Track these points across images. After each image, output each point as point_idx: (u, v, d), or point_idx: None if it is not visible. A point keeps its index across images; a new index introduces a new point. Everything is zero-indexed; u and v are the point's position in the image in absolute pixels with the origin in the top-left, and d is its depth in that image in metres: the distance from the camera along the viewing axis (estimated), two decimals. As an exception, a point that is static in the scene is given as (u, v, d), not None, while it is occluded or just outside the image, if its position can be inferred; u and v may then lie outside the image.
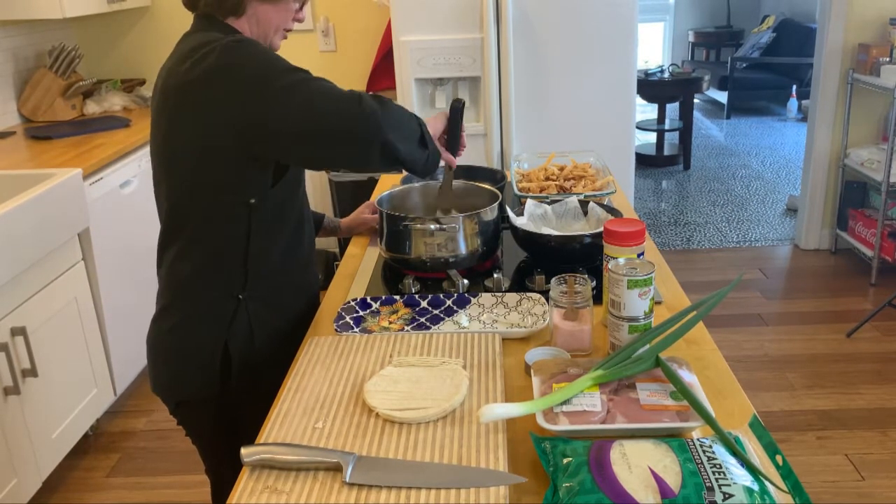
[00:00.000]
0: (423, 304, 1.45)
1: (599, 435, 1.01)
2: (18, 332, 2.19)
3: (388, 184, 2.27)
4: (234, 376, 1.42)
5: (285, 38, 1.44)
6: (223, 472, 1.58)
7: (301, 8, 1.42)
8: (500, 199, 1.64)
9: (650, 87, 5.77)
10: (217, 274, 1.40)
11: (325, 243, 3.95)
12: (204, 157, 1.30)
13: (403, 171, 1.43)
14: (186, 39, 1.34)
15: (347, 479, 0.95)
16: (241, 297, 1.41)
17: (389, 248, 1.58)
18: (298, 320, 1.51)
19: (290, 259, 1.47)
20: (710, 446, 0.93)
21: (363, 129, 1.27)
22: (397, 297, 1.47)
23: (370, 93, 1.36)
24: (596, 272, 1.52)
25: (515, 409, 1.02)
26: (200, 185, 1.33)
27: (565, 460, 0.93)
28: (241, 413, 1.47)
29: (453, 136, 1.54)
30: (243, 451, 1.00)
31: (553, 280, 1.29)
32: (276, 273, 1.44)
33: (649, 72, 5.80)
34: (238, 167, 1.31)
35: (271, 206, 1.38)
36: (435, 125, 1.51)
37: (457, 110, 1.54)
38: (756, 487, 0.87)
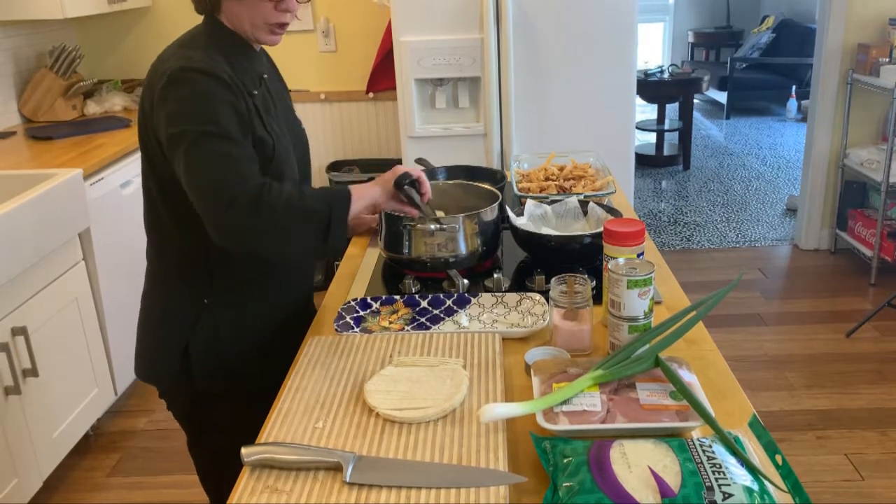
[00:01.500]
0: (424, 303, 1.46)
1: (599, 435, 1.01)
2: (19, 331, 2.19)
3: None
4: (196, 376, 1.44)
5: (276, 32, 1.36)
6: (203, 463, 1.61)
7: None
8: (500, 199, 1.64)
9: (650, 87, 5.77)
10: (182, 276, 1.42)
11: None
12: (163, 159, 1.32)
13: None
14: (191, 34, 1.38)
15: (347, 479, 0.95)
16: (206, 301, 1.42)
17: (389, 248, 1.58)
18: (278, 325, 1.50)
19: (263, 266, 1.45)
20: (710, 446, 0.94)
21: (220, 232, 1.25)
22: (397, 297, 1.47)
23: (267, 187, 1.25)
24: (596, 272, 1.52)
25: (515, 409, 1.02)
26: (165, 186, 1.35)
27: (565, 460, 0.94)
28: (214, 411, 1.49)
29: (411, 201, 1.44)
30: (243, 451, 1.00)
31: (553, 280, 1.29)
32: (247, 280, 1.44)
33: (649, 72, 5.80)
34: None
35: None
36: (369, 194, 1.37)
37: (400, 185, 1.40)
38: (756, 487, 0.88)
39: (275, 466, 0.99)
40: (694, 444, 0.94)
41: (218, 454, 1.52)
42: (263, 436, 1.07)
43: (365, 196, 1.35)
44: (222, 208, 1.22)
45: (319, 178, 3.87)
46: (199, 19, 1.41)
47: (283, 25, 1.36)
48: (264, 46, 1.43)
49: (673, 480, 0.88)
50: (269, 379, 1.41)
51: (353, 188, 1.34)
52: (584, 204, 1.71)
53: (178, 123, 1.25)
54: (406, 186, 1.40)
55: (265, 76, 1.43)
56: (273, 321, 1.50)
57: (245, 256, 1.41)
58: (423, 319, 1.41)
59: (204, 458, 1.60)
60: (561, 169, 1.97)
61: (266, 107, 1.39)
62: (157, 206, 1.40)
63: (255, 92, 1.36)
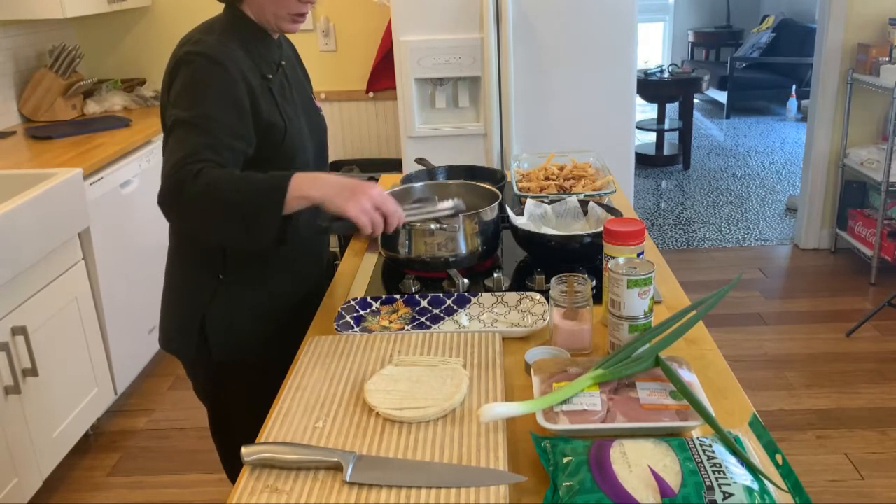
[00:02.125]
0: (424, 303, 1.46)
1: (599, 434, 1.01)
2: (19, 331, 2.19)
3: (388, 183, 2.27)
4: (213, 350, 1.49)
5: (297, 21, 1.43)
6: (225, 443, 1.65)
7: None
8: (500, 198, 1.64)
9: (650, 86, 5.77)
10: (195, 252, 1.48)
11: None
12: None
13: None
14: (210, 22, 1.44)
15: (347, 479, 0.95)
16: (220, 276, 1.46)
17: (389, 248, 1.58)
18: (293, 303, 1.55)
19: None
20: (710, 445, 0.94)
21: (166, 201, 1.26)
22: (397, 297, 1.47)
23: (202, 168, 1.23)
24: (596, 272, 1.52)
25: (515, 409, 1.02)
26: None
27: (565, 459, 0.94)
28: (232, 387, 1.54)
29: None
30: (244, 450, 1.00)
31: (553, 280, 1.29)
32: (258, 258, 1.48)
33: (649, 72, 5.80)
34: None
35: None
36: (313, 195, 1.23)
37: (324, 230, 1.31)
38: (756, 487, 0.88)
39: (275, 466, 0.99)
40: (694, 443, 0.94)
41: (237, 435, 1.53)
42: (263, 435, 1.07)
43: (303, 197, 1.22)
44: (160, 194, 1.27)
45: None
46: (199, 19, 1.46)
47: (304, 14, 1.43)
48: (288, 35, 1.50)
49: (673, 480, 0.88)
50: (285, 356, 1.46)
51: (297, 181, 1.22)
52: (584, 203, 1.71)
53: (172, 109, 1.31)
54: (334, 225, 1.28)
55: (283, 63, 1.50)
56: (287, 298, 1.54)
57: None
58: (423, 319, 1.41)
59: (226, 438, 1.63)
60: (561, 168, 1.97)
61: (282, 91, 1.45)
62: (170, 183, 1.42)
63: (271, 76, 1.43)
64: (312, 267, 1.62)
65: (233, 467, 1.66)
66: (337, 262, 1.78)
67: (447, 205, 1.47)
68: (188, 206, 1.24)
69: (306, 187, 1.23)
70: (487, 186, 1.71)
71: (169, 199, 1.25)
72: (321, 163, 1.60)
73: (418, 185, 1.76)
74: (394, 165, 3.66)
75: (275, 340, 1.53)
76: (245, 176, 1.25)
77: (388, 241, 1.58)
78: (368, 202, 1.23)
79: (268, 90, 1.41)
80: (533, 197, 1.77)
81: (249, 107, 1.35)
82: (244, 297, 1.49)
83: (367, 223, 1.24)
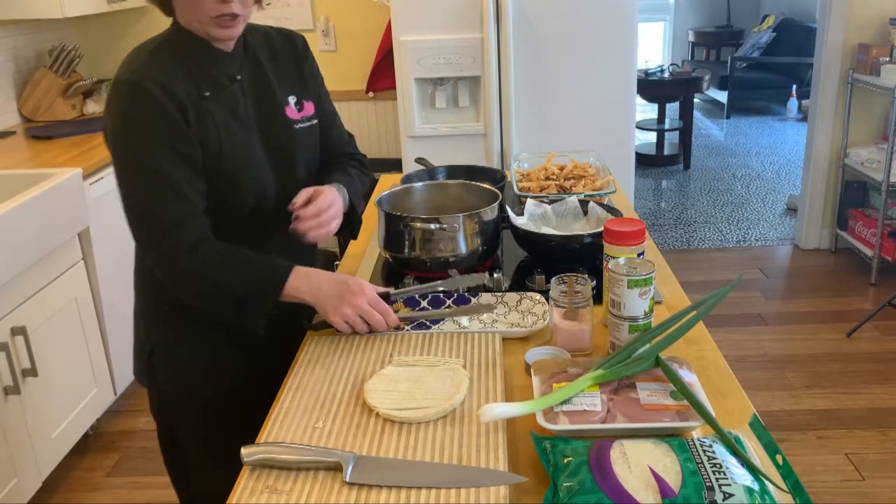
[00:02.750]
0: (423, 303, 1.45)
1: (599, 434, 1.01)
2: (18, 331, 2.19)
3: (388, 184, 2.27)
4: (159, 379, 1.45)
5: (225, 25, 1.27)
6: (181, 486, 1.58)
7: None
8: (500, 199, 1.64)
9: (650, 86, 5.77)
10: (147, 281, 1.42)
11: (325, 243, 3.94)
12: None
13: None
14: (151, 38, 1.35)
15: (347, 479, 0.95)
16: (165, 309, 1.41)
17: (389, 248, 1.58)
18: (248, 342, 1.39)
19: None
20: (711, 446, 0.93)
21: (158, 264, 1.27)
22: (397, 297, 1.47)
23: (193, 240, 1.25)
24: (596, 272, 1.52)
25: (515, 409, 1.02)
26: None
27: (565, 460, 0.93)
28: (180, 422, 1.49)
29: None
30: (243, 451, 1.00)
31: (553, 280, 1.29)
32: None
33: (649, 71, 5.80)
34: None
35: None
36: (309, 299, 1.29)
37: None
38: (756, 487, 0.87)
39: (275, 466, 0.99)
40: (694, 443, 0.94)
41: (195, 479, 1.52)
42: (263, 436, 1.07)
43: (297, 295, 1.28)
44: (152, 253, 1.27)
45: (319, 178, 3.87)
46: None
47: (232, 17, 1.26)
48: (255, 45, 1.40)
49: (673, 480, 0.88)
50: (250, 391, 1.41)
51: (295, 278, 1.27)
52: (584, 203, 1.71)
53: (116, 152, 1.27)
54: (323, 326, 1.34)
55: (239, 77, 1.35)
56: (234, 338, 1.41)
57: None
58: (423, 319, 1.41)
59: (181, 483, 1.57)
60: (561, 168, 1.97)
61: (230, 108, 1.33)
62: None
63: (209, 94, 1.30)
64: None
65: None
66: (337, 262, 1.78)
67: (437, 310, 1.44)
68: (181, 277, 1.27)
69: (302, 287, 1.28)
70: (487, 186, 1.71)
71: (163, 266, 1.27)
72: (289, 184, 1.41)
73: (418, 185, 1.76)
74: (394, 165, 3.65)
75: (230, 375, 1.44)
76: (244, 260, 1.27)
77: (389, 240, 1.57)
78: (352, 312, 1.28)
79: (206, 110, 1.29)
80: (533, 197, 1.77)
81: (186, 134, 1.26)
82: (195, 327, 1.40)
83: (346, 329, 1.31)
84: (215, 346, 1.43)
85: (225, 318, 1.29)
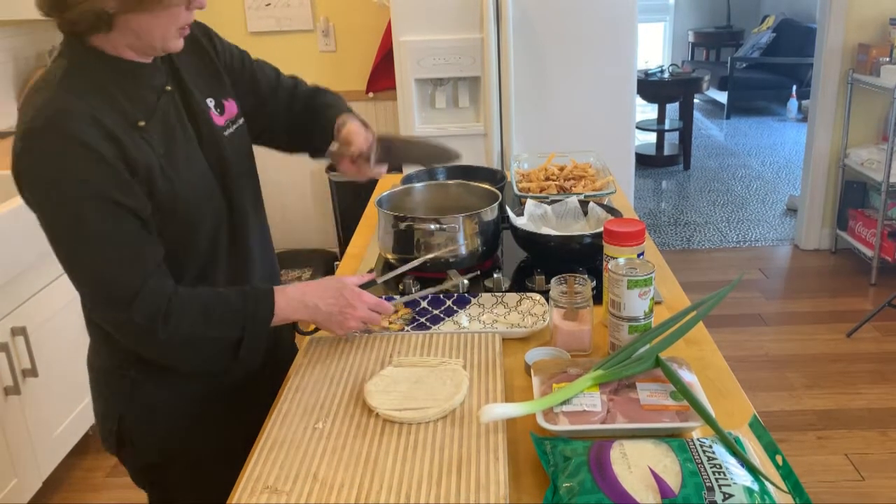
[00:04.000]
0: (424, 304, 1.45)
1: (599, 435, 1.01)
2: (19, 332, 2.19)
3: (388, 184, 2.27)
4: (135, 447, 1.30)
5: (184, 34, 1.15)
6: None
7: None
8: (500, 199, 1.64)
9: (650, 87, 5.77)
10: (106, 341, 1.24)
11: (325, 243, 3.95)
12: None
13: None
14: (46, 70, 1.12)
15: None
16: (132, 372, 1.25)
17: (389, 249, 1.58)
18: (221, 391, 1.31)
19: None
20: (710, 446, 0.93)
21: (139, 343, 1.13)
22: (397, 297, 1.47)
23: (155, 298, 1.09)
24: (596, 272, 1.52)
25: (515, 409, 1.02)
26: None
27: (565, 460, 0.93)
28: (160, 480, 1.36)
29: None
30: None
31: (553, 280, 1.29)
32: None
33: (649, 72, 5.80)
34: None
35: None
36: (299, 314, 1.22)
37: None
38: (756, 487, 0.87)
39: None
40: (694, 444, 0.94)
41: None
42: (263, 436, 1.07)
43: (291, 318, 1.22)
44: (116, 324, 1.12)
45: (320, 178, 3.87)
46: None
47: (189, 25, 1.15)
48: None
49: (673, 481, 0.88)
50: (214, 445, 1.30)
51: (282, 303, 1.19)
52: (584, 204, 1.71)
53: (33, 207, 1.09)
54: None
55: (169, 87, 1.20)
56: (214, 388, 1.31)
57: None
58: (423, 320, 1.41)
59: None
60: (561, 169, 1.97)
61: (167, 133, 1.17)
62: None
63: (143, 123, 1.13)
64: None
65: None
66: (337, 262, 1.78)
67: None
68: (161, 351, 1.15)
69: (292, 311, 1.22)
70: (487, 187, 1.71)
71: (138, 344, 1.13)
72: (234, 194, 1.28)
73: (418, 185, 1.76)
74: (394, 165, 3.65)
75: (215, 432, 1.31)
76: (222, 305, 1.15)
77: (390, 240, 1.57)
78: (357, 324, 1.26)
79: (143, 142, 1.11)
80: (533, 197, 1.77)
81: (127, 175, 1.08)
82: (165, 391, 1.27)
83: (353, 331, 1.29)
84: (193, 401, 1.29)
85: (216, 368, 1.23)
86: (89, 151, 1.04)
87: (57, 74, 1.08)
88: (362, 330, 1.32)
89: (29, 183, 1.07)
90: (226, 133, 1.28)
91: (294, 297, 1.22)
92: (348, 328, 1.26)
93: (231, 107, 1.31)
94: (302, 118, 1.44)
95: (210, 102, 1.26)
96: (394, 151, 1.39)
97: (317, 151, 1.45)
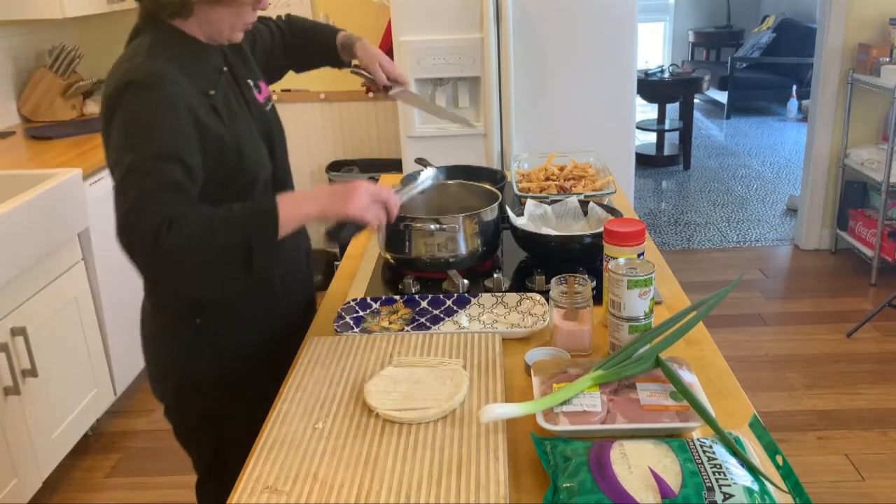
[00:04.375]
0: (423, 304, 1.45)
1: (599, 435, 1.01)
2: (18, 332, 2.19)
3: (389, 184, 2.27)
4: (195, 393, 1.43)
5: (248, 28, 1.35)
6: (201, 479, 1.58)
7: None
8: (500, 199, 1.64)
9: (650, 87, 5.77)
10: (165, 298, 1.38)
11: (326, 244, 3.94)
12: None
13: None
14: (129, 42, 1.31)
15: None
16: (197, 321, 1.37)
17: (389, 249, 1.58)
18: (277, 336, 1.45)
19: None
20: (711, 446, 0.93)
21: (137, 252, 1.16)
22: (397, 297, 1.47)
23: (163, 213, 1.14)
24: (596, 272, 1.52)
25: (515, 409, 1.02)
26: None
27: (565, 460, 0.93)
28: (208, 431, 1.48)
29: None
30: None
31: (553, 280, 1.29)
32: (239, 295, 1.35)
33: (649, 72, 5.80)
34: None
35: None
36: (303, 213, 1.23)
37: (334, 235, 1.30)
38: (756, 487, 0.87)
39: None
40: (694, 444, 0.94)
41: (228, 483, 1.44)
42: (263, 436, 1.07)
43: (297, 216, 1.21)
44: (129, 252, 1.16)
45: (320, 178, 3.87)
46: None
47: (251, 23, 1.35)
48: None
49: (673, 481, 0.88)
50: (268, 388, 1.37)
51: (285, 203, 1.20)
52: (584, 204, 1.71)
53: (115, 155, 1.20)
54: (344, 233, 1.28)
55: (225, 69, 1.36)
56: (271, 332, 1.45)
57: None
58: (422, 319, 1.41)
59: (213, 485, 1.55)
60: (561, 169, 1.97)
61: (228, 104, 1.33)
62: None
63: (213, 91, 1.29)
64: (295, 293, 1.54)
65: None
66: (337, 262, 1.78)
67: (428, 174, 1.49)
68: (168, 259, 1.14)
69: (296, 207, 1.20)
70: (487, 187, 1.71)
71: (143, 254, 1.14)
72: (281, 171, 1.47)
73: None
74: (394, 165, 3.65)
75: (259, 377, 1.44)
76: (224, 214, 1.17)
77: (390, 240, 1.58)
78: (366, 198, 1.23)
79: (211, 109, 1.28)
80: (533, 197, 1.77)
81: (195, 132, 1.22)
82: (223, 338, 1.40)
83: (373, 218, 1.25)
84: (249, 349, 1.42)
85: (231, 285, 1.19)
86: (169, 101, 1.20)
87: (144, 47, 1.25)
88: (380, 220, 1.26)
89: (118, 123, 1.19)
90: (266, 108, 1.46)
91: (296, 194, 1.24)
92: (356, 205, 1.22)
93: (265, 89, 1.49)
94: (300, 47, 1.69)
95: (251, 83, 1.44)
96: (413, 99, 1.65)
97: (329, 65, 1.73)
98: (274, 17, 1.70)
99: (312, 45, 1.70)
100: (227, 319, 1.39)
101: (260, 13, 1.38)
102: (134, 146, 1.17)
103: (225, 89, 1.34)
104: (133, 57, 1.24)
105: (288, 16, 1.73)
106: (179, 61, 1.25)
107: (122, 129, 1.19)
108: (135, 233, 1.15)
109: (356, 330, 1.38)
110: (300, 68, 1.77)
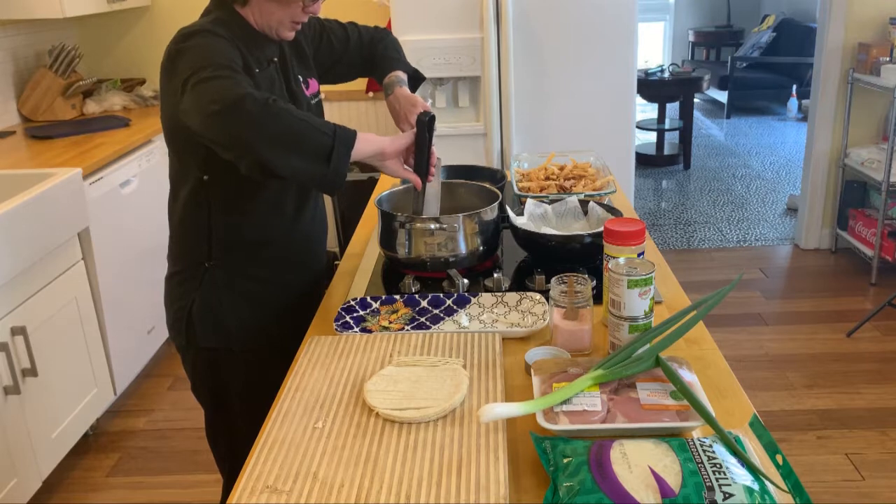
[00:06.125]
0: (423, 303, 1.45)
1: (599, 435, 1.01)
2: (18, 331, 2.19)
3: (389, 183, 2.27)
4: (198, 337, 1.53)
5: (295, 28, 1.47)
6: (213, 436, 1.67)
7: (315, 1, 1.44)
8: (500, 198, 1.64)
9: (650, 86, 5.77)
10: (185, 241, 1.52)
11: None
12: (170, 132, 1.43)
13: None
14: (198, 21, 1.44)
15: None
16: (206, 265, 1.50)
17: (389, 248, 1.58)
18: (292, 295, 1.59)
19: (267, 234, 1.52)
20: (711, 446, 0.93)
21: (232, 136, 1.23)
22: (397, 297, 1.47)
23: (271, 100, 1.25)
24: (596, 272, 1.52)
25: (515, 409, 1.02)
26: (174, 159, 1.48)
27: (565, 460, 0.93)
28: (217, 380, 1.57)
29: (420, 152, 1.46)
30: None
31: (553, 280, 1.29)
32: (246, 246, 1.51)
33: (649, 71, 5.80)
34: (188, 145, 1.40)
35: (231, 182, 1.43)
36: (396, 143, 1.41)
37: (422, 123, 1.43)
38: (756, 487, 0.87)
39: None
40: (694, 443, 0.94)
41: (233, 434, 1.59)
42: (263, 436, 1.07)
43: (372, 142, 1.36)
44: (229, 111, 1.21)
45: (319, 178, 3.87)
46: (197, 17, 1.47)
47: (301, 22, 1.47)
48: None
49: (673, 480, 0.87)
50: (285, 350, 1.51)
51: (360, 134, 1.35)
52: (584, 203, 1.71)
53: (185, 73, 1.28)
54: (428, 120, 1.43)
55: (276, 59, 1.50)
56: (284, 288, 1.57)
57: (242, 223, 1.49)
58: (423, 319, 1.41)
59: (221, 438, 1.66)
60: (561, 168, 1.97)
61: (271, 86, 1.46)
62: (172, 178, 1.51)
63: (258, 70, 1.43)
64: (311, 256, 1.65)
65: (231, 468, 1.66)
66: (337, 261, 1.79)
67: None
68: (276, 121, 1.23)
69: (364, 143, 1.35)
70: (487, 186, 1.71)
71: (255, 111, 1.21)
72: None
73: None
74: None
75: (269, 331, 1.56)
76: (313, 118, 1.30)
77: (389, 240, 1.57)
78: (403, 139, 1.43)
79: (257, 83, 1.42)
80: (533, 197, 1.77)
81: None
82: (232, 284, 1.51)
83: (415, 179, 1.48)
84: (261, 298, 1.54)
85: (308, 168, 1.27)
86: (230, 43, 1.35)
87: (207, 20, 1.40)
88: (360, 329, 1.35)
89: (184, 62, 1.30)
90: (311, 102, 1.60)
91: (362, 134, 1.36)
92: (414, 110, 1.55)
93: (314, 85, 1.63)
94: (367, 65, 1.77)
95: (300, 78, 1.58)
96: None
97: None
98: (371, 25, 1.82)
99: (372, 73, 1.78)
100: (236, 267, 1.51)
101: (347, 20, 1.57)
102: (205, 60, 1.28)
103: (272, 74, 1.48)
104: (196, 23, 1.39)
105: (379, 30, 1.80)
106: (234, 40, 1.38)
107: (189, 56, 1.30)
108: (248, 92, 1.22)
109: (356, 329, 1.38)
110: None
